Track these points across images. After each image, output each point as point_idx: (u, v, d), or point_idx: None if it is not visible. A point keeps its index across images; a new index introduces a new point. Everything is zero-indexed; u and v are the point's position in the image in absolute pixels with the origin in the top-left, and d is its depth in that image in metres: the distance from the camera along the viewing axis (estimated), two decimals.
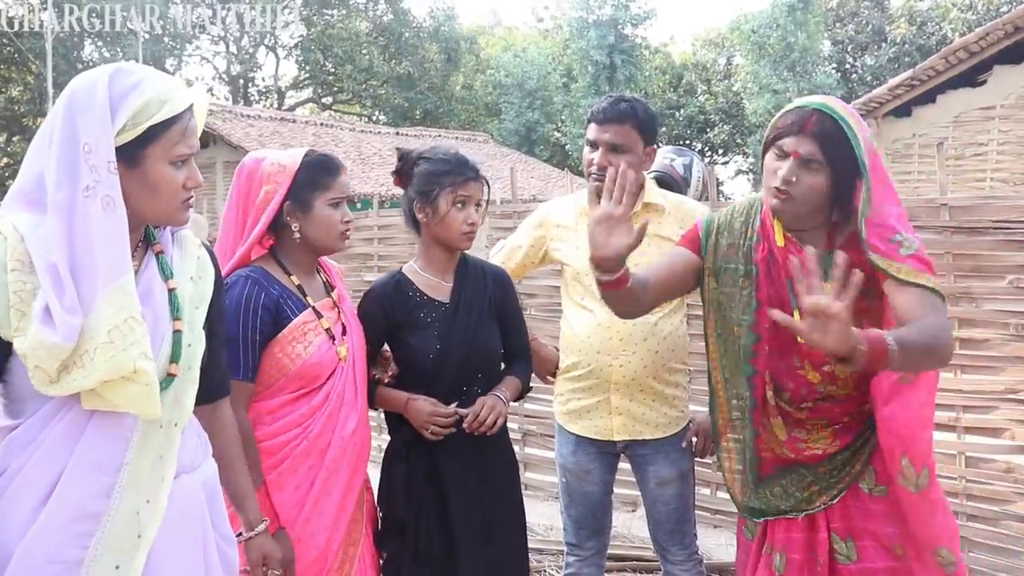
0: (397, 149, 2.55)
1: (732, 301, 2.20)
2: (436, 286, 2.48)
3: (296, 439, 2.20)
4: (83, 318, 1.46)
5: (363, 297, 2.50)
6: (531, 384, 2.67)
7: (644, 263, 2.66)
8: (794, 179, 2.02)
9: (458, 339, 2.42)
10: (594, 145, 2.66)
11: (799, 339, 1.84)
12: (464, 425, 2.35)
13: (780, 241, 2.14)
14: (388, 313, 2.44)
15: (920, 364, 1.92)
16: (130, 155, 1.54)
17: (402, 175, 2.52)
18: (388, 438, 2.54)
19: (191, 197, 1.66)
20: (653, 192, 2.75)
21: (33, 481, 1.51)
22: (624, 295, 2.10)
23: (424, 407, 2.36)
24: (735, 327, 2.19)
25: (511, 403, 2.51)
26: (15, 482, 1.52)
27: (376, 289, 2.49)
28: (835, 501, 2.13)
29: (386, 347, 2.52)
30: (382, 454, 2.51)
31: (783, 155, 2.06)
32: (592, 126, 2.67)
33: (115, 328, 1.48)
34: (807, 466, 2.15)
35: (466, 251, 2.55)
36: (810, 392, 2.12)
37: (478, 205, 2.45)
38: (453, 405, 2.38)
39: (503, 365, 2.60)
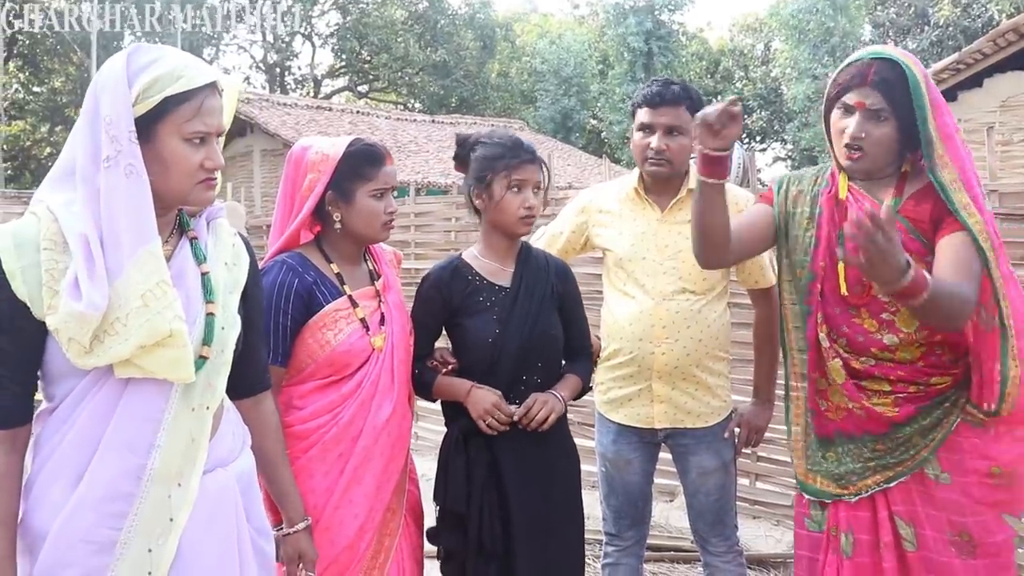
0: (456, 135, 2.52)
1: (795, 244, 2.23)
2: (496, 271, 2.43)
3: (326, 425, 2.19)
4: (110, 286, 1.48)
5: (421, 282, 2.47)
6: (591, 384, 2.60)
7: (686, 248, 2.62)
8: (863, 134, 2.06)
9: (517, 324, 2.37)
10: (649, 129, 2.64)
11: (841, 281, 2.06)
12: (517, 415, 2.31)
13: (842, 194, 2.16)
14: (446, 298, 2.40)
15: (936, 317, 1.94)
16: (144, 130, 1.55)
17: (461, 161, 2.48)
18: (426, 427, 2.52)
19: (212, 178, 1.65)
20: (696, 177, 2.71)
21: (68, 460, 1.54)
22: (719, 193, 2.15)
23: (487, 397, 2.31)
24: (798, 269, 2.22)
25: (569, 402, 2.45)
26: (51, 461, 1.55)
27: (434, 274, 2.45)
28: (891, 484, 2.09)
29: (446, 345, 2.49)
30: (420, 443, 2.48)
31: (848, 110, 2.09)
32: (645, 110, 2.64)
33: (148, 292, 1.51)
34: (866, 437, 2.12)
35: (528, 240, 2.52)
36: (869, 341, 2.11)
37: (537, 189, 2.40)
38: (514, 406, 2.33)
39: (563, 362, 2.53)
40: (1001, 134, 9.70)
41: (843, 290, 2.10)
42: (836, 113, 2.13)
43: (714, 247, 2.23)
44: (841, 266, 2.10)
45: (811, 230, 2.19)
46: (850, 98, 2.08)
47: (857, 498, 2.13)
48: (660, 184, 2.70)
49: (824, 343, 2.14)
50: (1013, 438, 2.07)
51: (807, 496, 2.26)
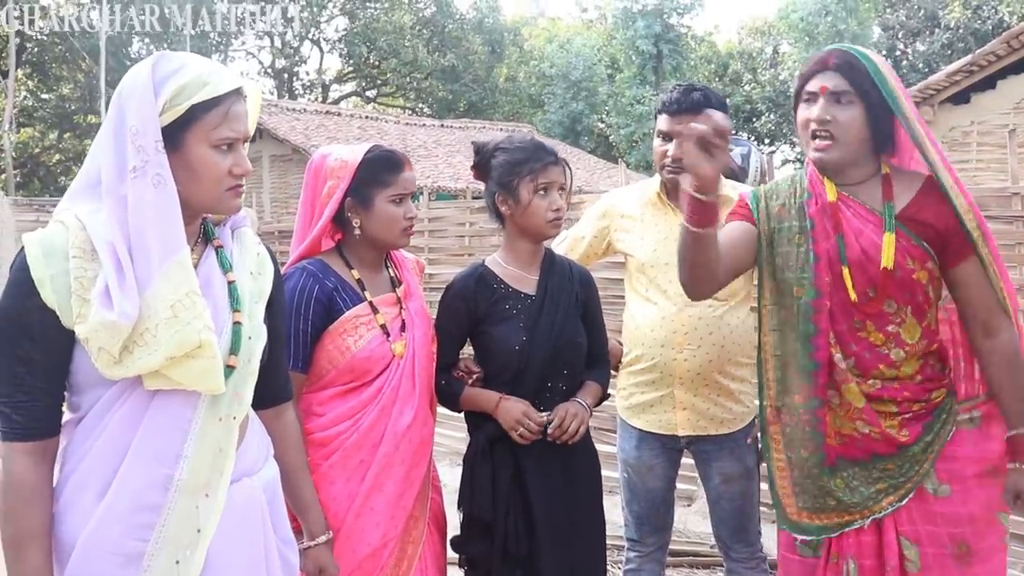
0: (473, 143, 2.50)
1: (788, 261, 2.13)
2: (521, 278, 2.41)
3: (346, 432, 2.18)
4: (140, 297, 1.47)
5: (444, 291, 2.45)
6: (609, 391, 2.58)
7: None
8: (829, 117, 2.01)
9: (544, 331, 2.35)
10: (667, 137, 2.61)
11: (849, 288, 2.00)
12: (548, 432, 2.29)
13: (831, 196, 2.09)
14: (471, 307, 2.38)
15: None
16: (172, 138, 1.54)
17: (480, 168, 2.46)
18: (444, 433, 2.49)
19: (240, 185, 1.64)
20: (722, 183, 2.68)
21: (95, 471, 1.53)
22: (710, 241, 2.00)
23: (517, 407, 2.30)
24: (795, 287, 2.11)
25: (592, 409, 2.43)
26: (78, 472, 1.54)
27: (457, 283, 2.43)
28: (903, 503, 2.04)
29: (470, 356, 2.47)
30: (436, 448, 2.46)
31: (811, 98, 2.06)
32: (664, 118, 2.62)
33: (178, 303, 1.49)
34: (874, 459, 2.06)
35: (548, 245, 2.50)
36: (876, 357, 2.04)
37: (561, 189, 2.38)
38: (544, 414, 2.31)
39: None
40: (1016, 136, 9.64)
41: (852, 296, 2.02)
42: (802, 106, 2.09)
43: (705, 282, 2.12)
44: (847, 274, 2.03)
45: (804, 245, 2.10)
46: (812, 85, 2.05)
47: (869, 521, 2.06)
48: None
49: (840, 364, 2.06)
50: (1002, 431, 2.07)
51: (802, 536, 2.15)
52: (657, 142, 2.67)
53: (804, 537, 2.15)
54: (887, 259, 1.99)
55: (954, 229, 2.01)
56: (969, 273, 2.04)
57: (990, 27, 23.95)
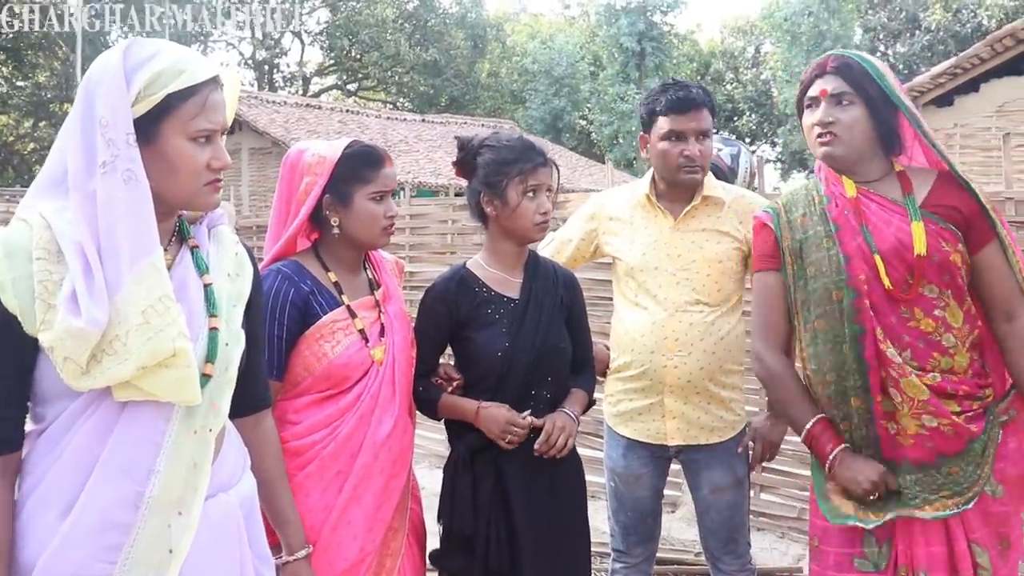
0: (457, 138, 2.40)
1: (821, 267, 2.12)
2: (504, 281, 2.32)
3: (323, 441, 2.09)
4: (110, 302, 1.37)
5: (424, 295, 2.36)
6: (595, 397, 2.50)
7: (700, 258, 2.55)
8: (831, 119, 2.07)
9: (528, 337, 2.26)
10: (678, 136, 2.52)
11: (883, 276, 2.02)
12: (535, 447, 2.21)
13: (851, 192, 2.12)
14: (452, 311, 2.29)
15: None
16: (146, 130, 1.45)
17: (464, 165, 2.35)
18: (423, 435, 2.40)
19: (218, 179, 1.55)
20: (713, 185, 2.62)
21: (58, 487, 1.43)
22: None
23: (501, 414, 2.21)
24: (833, 292, 2.09)
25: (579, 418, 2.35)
26: (40, 488, 1.44)
27: (438, 286, 2.34)
28: (969, 505, 2.01)
29: (450, 363, 2.38)
30: (416, 451, 2.37)
31: (814, 103, 2.13)
32: (672, 117, 2.52)
33: (150, 308, 1.39)
34: (940, 461, 2.03)
35: (529, 247, 2.42)
36: (929, 345, 2.04)
37: (549, 191, 2.29)
38: (526, 414, 2.23)
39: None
40: (996, 139, 9.68)
41: (886, 284, 2.03)
42: (806, 113, 2.16)
43: None
44: (880, 262, 2.04)
45: (833, 248, 2.10)
46: (813, 90, 2.13)
47: (933, 517, 2.01)
48: (674, 191, 2.61)
49: (895, 359, 2.03)
50: None
51: (869, 526, 2.07)
52: (664, 144, 2.55)
53: (871, 526, 2.06)
54: (919, 246, 2.02)
55: (978, 213, 2.07)
56: (992, 257, 2.08)
57: (970, 30, 24.17)
